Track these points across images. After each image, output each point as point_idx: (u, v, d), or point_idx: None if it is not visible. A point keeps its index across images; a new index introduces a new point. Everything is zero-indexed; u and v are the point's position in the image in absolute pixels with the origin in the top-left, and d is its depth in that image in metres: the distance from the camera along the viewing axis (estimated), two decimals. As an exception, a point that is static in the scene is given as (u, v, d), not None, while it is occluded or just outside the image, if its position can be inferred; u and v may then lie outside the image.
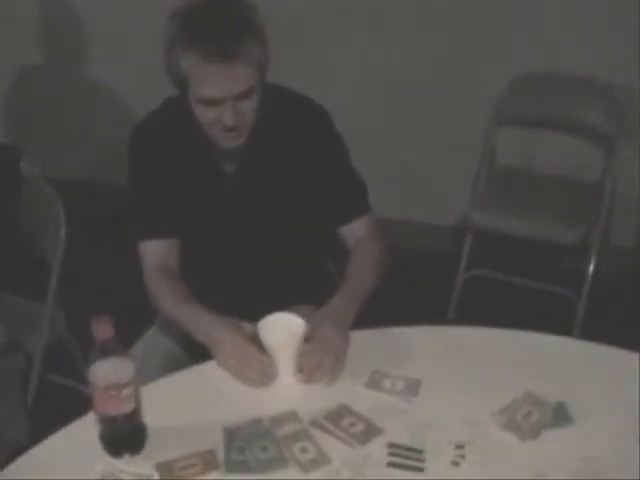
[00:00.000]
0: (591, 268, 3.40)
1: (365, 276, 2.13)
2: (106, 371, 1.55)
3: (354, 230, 2.23)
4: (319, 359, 1.85)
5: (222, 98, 1.91)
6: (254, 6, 1.96)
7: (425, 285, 3.62)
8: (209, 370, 1.90)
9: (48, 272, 2.65)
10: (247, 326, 1.98)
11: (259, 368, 1.85)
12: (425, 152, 3.85)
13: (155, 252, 2.16)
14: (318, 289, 2.34)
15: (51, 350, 2.72)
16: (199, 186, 2.17)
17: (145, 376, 1.64)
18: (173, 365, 2.07)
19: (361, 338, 1.97)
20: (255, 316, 2.25)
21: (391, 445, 1.65)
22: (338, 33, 3.73)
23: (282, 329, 1.88)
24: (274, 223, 2.20)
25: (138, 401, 1.62)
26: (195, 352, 2.22)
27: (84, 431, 1.71)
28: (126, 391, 1.57)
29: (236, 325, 1.96)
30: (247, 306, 2.21)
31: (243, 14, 1.93)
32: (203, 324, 1.98)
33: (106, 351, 1.55)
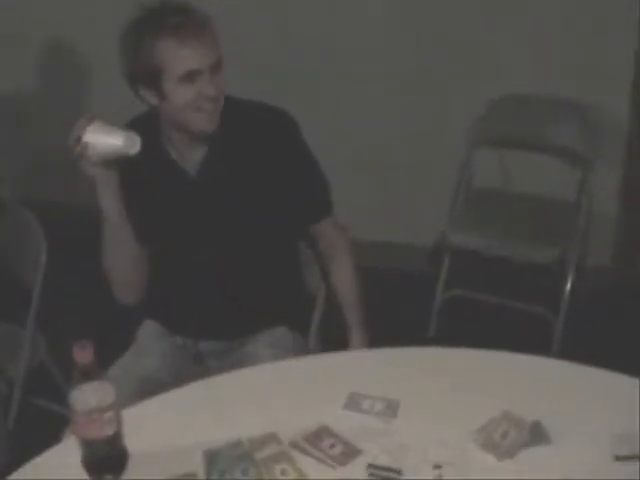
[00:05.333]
0: (568, 287, 3.42)
1: (357, 300, 2.37)
2: (87, 395, 1.56)
3: (323, 231, 2.36)
4: None
5: (200, 69, 2.05)
6: None
7: (404, 305, 3.63)
8: (189, 393, 1.92)
9: (28, 296, 2.65)
10: None
11: None
12: (402, 173, 3.87)
13: None
14: (291, 307, 2.39)
15: (32, 374, 2.72)
16: (165, 192, 2.24)
17: (120, 399, 1.66)
18: (148, 388, 2.09)
19: (340, 359, 1.99)
20: (226, 331, 2.30)
21: (370, 466, 1.67)
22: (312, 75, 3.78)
23: None
24: (239, 229, 2.24)
25: (119, 425, 1.63)
26: (174, 373, 2.26)
27: (65, 455, 1.71)
28: (107, 415, 1.59)
29: None
30: (216, 320, 2.27)
31: (194, 8, 2.09)
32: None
33: (87, 375, 1.56)
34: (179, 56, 2.04)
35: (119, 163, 2.09)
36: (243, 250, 2.28)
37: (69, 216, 3.88)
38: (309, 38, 3.66)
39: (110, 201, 2.13)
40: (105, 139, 2.01)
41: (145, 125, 2.18)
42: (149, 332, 2.42)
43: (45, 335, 2.78)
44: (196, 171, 2.22)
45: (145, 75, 2.08)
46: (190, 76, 2.05)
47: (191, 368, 2.35)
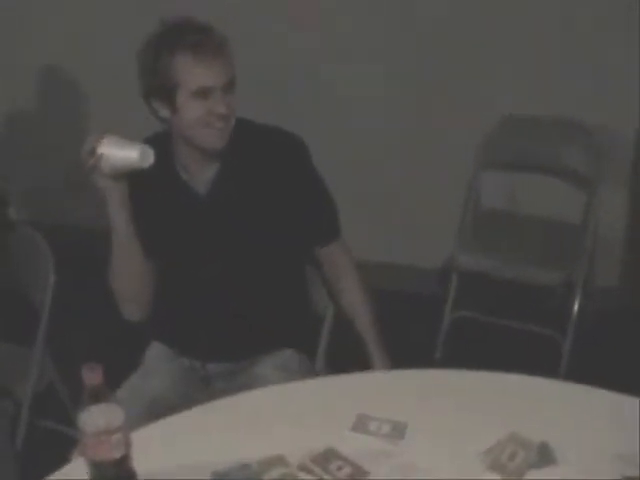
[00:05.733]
0: (575, 308, 3.42)
1: (372, 322, 2.38)
2: (96, 417, 1.57)
3: (330, 254, 2.37)
4: None
5: (213, 86, 2.10)
6: None
7: (411, 327, 3.63)
8: (196, 416, 1.92)
9: (37, 316, 2.66)
10: None
11: None
12: (410, 195, 3.88)
13: None
14: (298, 329, 2.40)
15: (40, 396, 2.72)
16: (174, 213, 2.27)
17: (127, 420, 1.67)
18: (156, 410, 2.10)
19: (347, 381, 2.00)
20: (233, 353, 2.31)
21: (378, 488, 1.67)
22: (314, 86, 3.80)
23: None
24: (246, 249, 2.27)
25: (128, 447, 1.63)
26: (181, 395, 2.26)
27: (73, 476, 1.72)
28: (116, 437, 1.59)
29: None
30: (223, 341, 2.27)
31: (214, 29, 2.17)
32: None
33: (96, 397, 1.57)
34: (194, 72, 2.09)
35: (129, 175, 2.12)
36: (250, 270, 2.30)
37: (76, 237, 3.91)
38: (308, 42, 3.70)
39: (118, 212, 2.16)
40: (120, 151, 2.04)
41: (157, 144, 2.19)
42: (156, 354, 2.43)
43: (53, 356, 2.78)
44: (206, 190, 2.25)
45: (160, 87, 2.13)
46: (203, 92, 2.10)
47: (198, 390, 2.35)
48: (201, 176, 2.25)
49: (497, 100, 3.58)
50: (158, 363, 2.40)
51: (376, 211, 3.90)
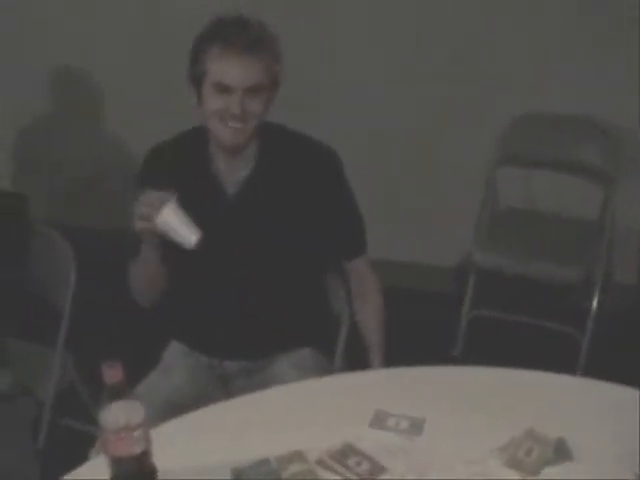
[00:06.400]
0: (594, 306, 3.43)
1: (380, 341, 2.40)
2: (117, 414, 1.59)
3: (354, 268, 2.41)
4: None
5: (232, 86, 2.11)
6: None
7: (429, 325, 3.64)
8: (217, 413, 1.94)
9: (58, 317, 2.69)
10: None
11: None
12: (427, 193, 3.89)
13: None
14: (316, 328, 2.41)
15: (62, 395, 2.75)
16: (201, 207, 2.24)
17: (146, 416, 1.69)
18: (174, 406, 2.13)
19: (365, 378, 2.01)
20: (250, 351, 2.32)
21: (396, 483, 1.69)
22: (335, 74, 3.80)
23: None
24: (269, 254, 2.29)
25: (148, 443, 1.65)
26: (199, 392, 2.27)
27: (92, 473, 1.75)
28: (137, 433, 1.61)
29: None
30: (241, 339, 2.29)
31: (263, 27, 2.19)
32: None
33: (117, 394, 1.59)
34: (219, 66, 2.12)
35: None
36: (270, 272, 2.31)
37: (94, 239, 3.93)
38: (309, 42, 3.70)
39: (152, 251, 2.20)
40: (177, 228, 2.05)
41: (193, 139, 2.27)
42: (175, 352, 2.45)
43: (73, 356, 2.80)
44: (235, 190, 2.27)
45: (193, 73, 2.17)
46: (222, 88, 2.12)
47: (216, 388, 2.37)
48: (232, 177, 2.27)
49: (514, 98, 3.58)
50: (176, 360, 2.42)
51: (393, 209, 3.91)
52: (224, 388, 2.37)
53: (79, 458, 1.88)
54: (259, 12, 2.20)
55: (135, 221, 2.07)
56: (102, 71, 4.11)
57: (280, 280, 2.32)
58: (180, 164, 2.30)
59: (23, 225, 2.82)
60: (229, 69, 2.11)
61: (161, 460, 1.69)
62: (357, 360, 2.33)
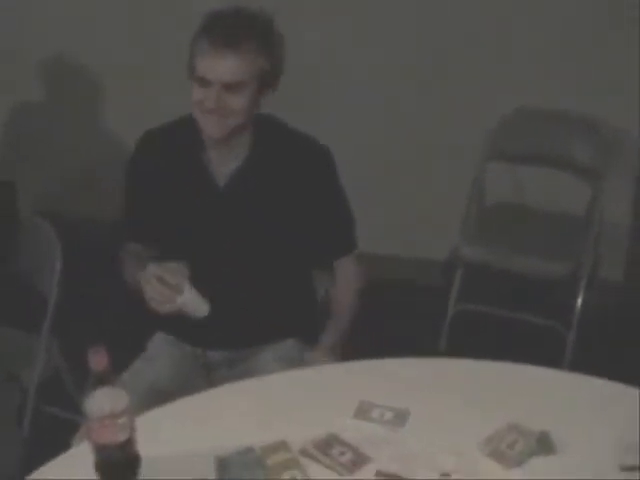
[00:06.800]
0: (580, 301, 3.44)
1: (347, 316, 2.39)
2: (102, 401, 1.59)
3: (341, 263, 2.40)
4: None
5: (210, 80, 2.11)
6: (272, 22, 2.19)
7: (415, 319, 3.65)
8: (201, 401, 1.95)
9: (44, 304, 2.68)
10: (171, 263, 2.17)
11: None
12: (415, 187, 3.89)
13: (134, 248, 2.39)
14: (301, 320, 2.41)
15: (47, 382, 2.75)
16: (191, 196, 2.30)
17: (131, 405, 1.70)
18: (157, 394, 2.14)
19: (350, 369, 2.02)
20: (235, 342, 2.33)
21: (379, 473, 1.69)
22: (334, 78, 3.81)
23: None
24: (256, 246, 2.30)
25: (132, 430, 1.65)
26: (183, 380, 2.27)
27: (77, 461, 1.75)
28: (121, 421, 1.61)
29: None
30: (225, 330, 2.29)
31: (261, 23, 2.17)
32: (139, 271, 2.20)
33: (102, 381, 1.59)
34: (202, 59, 2.12)
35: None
36: (259, 265, 2.32)
37: (83, 229, 3.93)
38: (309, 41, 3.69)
39: None
40: (194, 305, 2.16)
41: (186, 127, 2.26)
42: (159, 341, 2.45)
43: (60, 344, 2.80)
44: (225, 182, 2.27)
45: (189, 66, 2.17)
46: (202, 82, 2.13)
47: (200, 377, 2.37)
48: (223, 168, 2.27)
49: (504, 93, 3.58)
50: (160, 349, 2.42)
51: (381, 203, 3.90)
52: (207, 377, 2.37)
53: (62, 446, 1.88)
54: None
55: (153, 302, 2.14)
56: (99, 60, 4.09)
57: (267, 272, 2.33)
58: (172, 151, 2.31)
59: (11, 212, 2.81)
60: (208, 64, 2.11)
61: (145, 448, 1.70)
62: (342, 353, 2.33)
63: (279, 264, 2.33)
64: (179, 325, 2.39)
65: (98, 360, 1.57)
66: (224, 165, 2.27)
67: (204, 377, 2.37)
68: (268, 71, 2.17)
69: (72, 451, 1.84)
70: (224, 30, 2.11)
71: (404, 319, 3.65)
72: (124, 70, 4.01)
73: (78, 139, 4.35)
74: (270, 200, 2.28)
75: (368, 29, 3.72)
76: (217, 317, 2.29)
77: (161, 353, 2.41)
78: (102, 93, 4.25)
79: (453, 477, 1.67)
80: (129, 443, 1.65)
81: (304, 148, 2.31)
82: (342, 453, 1.74)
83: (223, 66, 2.10)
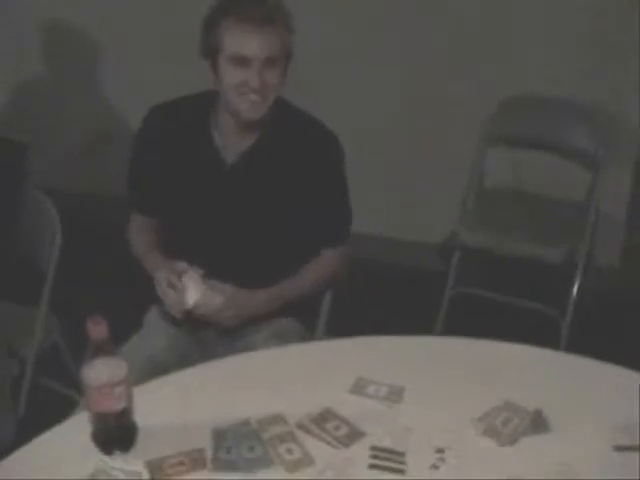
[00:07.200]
0: (576, 286, 3.45)
1: (309, 280, 2.39)
2: (100, 370, 1.60)
3: (327, 253, 2.41)
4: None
5: (251, 58, 2.11)
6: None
7: (412, 302, 3.66)
8: (198, 374, 1.96)
9: (44, 279, 2.69)
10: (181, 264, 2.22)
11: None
12: (414, 170, 3.90)
13: (141, 221, 2.43)
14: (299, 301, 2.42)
15: (45, 356, 2.76)
16: (198, 173, 2.31)
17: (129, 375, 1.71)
18: (154, 368, 2.15)
19: (347, 345, 2.03)
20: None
21: (373, 448, 1.70)
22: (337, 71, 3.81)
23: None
24: (258, 225, 2.32)
25: (130, 400, 1.67)
26: (179, 355, 2.29)
27: (73, 431, 1.76)
28: (118, 389, 1.62)
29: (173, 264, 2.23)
30: None
31: (279, 2, 2.18)
32: (157, 263, 2.28)
33: (100, 350, 1.60)
34: (235, 38, 2.11)
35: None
36: (257, 243, 2.33)
37: (84, 203, 3.94)
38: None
39: None
40: (207, 306, 2.22)
41: (196, 104, 2.28)
42: (156, 316, 2.45)
43: (58, 318, 2.81)
44: (234, 161, 2.29)
45: (208, 47, 2.17)
46: (240, 61, 2.12)
47: (196, 353, 2.37)
48: (235, 146, 2.28)
49: (504, 79, 3.60)
50: (157, 324, 2.43)
51: (378, 185, 3.91)
52: (203, 354, 2.38)
53: (58, 420, 1.87)
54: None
55: (167, 307, 2.24)
56: (103, 32, 4.10)
57: (268, 251, 2.34)
58: (181, 128, 2.31)
59: (20, 174, 2.82)
60: (247, 41, 2.11)
61: (142, 418, 1.72)
62: (340, 331, 2.34)
63: (280, 244, 2.34)
64: None
65: (97, 329, 1.58)
66: (234, 144, 2.28)
67: (200, 354, 2.38)
68: (291, 46, 2.19)
69: (69, 421, 1.84)
70: (255, 6, 2.11)
71: (399, 303, 3.66)
72: (126, 43, 4.01)
73: (78, 114, 4.35)
74: (276, 182, 2.29)
75: (365, 11, 3.73)
76: None
77: (158, 328, 2.41)
78: (103, 66, 4.25)
79: (447, 453, 1.69)
80: (126, 412, 1.67)
81: (313, 132, 2.31)
82: (337, 427, 1.75)
83: (262, 42, 2.11)
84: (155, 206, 2.39)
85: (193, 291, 2.16)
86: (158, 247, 2.38)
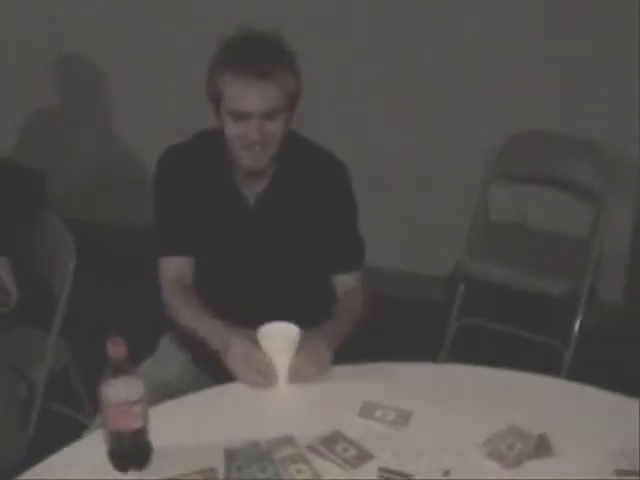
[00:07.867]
0: (578, 320, 3.48)
1: (349, 321, 2.29)
2: (119, 388, 1.65)
3: (345, 281, 2.38)
4: (306, 364, 2.02)
5: (250, 113, 2.11)
6: (284, 40, 2.19)
7: (417, 333, 3.68)
8: (212, 396, 2.02)
9: (57, 303, 2.72)
10: (254, 334, 2.08)
11: (263, 369, 2.01)
12: (419, 203, 3.96)
13: (173, 268, 2.32)
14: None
15: (55, 380, 2.79)
16: (222, 212, 2.31)
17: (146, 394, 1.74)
18: (166, 395, 2.14)
19: (356, 371, 2.07)
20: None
21: (381, 469, 1.75)
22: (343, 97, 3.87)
23: (280, 335, 2.04)
24: (280, 259, 2.33)
25: (146, 419, 1.71)
26: (192, 384, 2.30)
27: (84, 451, 1.82)
28: (136, 408, 1.67)
29: (245, 333, 2.10)
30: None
31: (279, 44, 2.17)
32: (217, 331, 2.15)
33: (119, 370, 1.65)
34: (234, 93, 2.12)
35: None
36: (279, 280, 2.34)
37: (100, 233, 3.97)
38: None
39: None
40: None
41: (211, 143, 2.28)
42: (170, 342, 2.49)
43: (69, 342, 2.85)
44: (254, 200, 2.31)
45: (211, 94, 2.18)
46: (239, 115, 2.13)
47: (209, 381, 2.40)
48: (252, 187, 2.31)
49: (507, 116, 3.64)
50: (171, 351, 2.46)
51: (385, 218, 3.95)
52: (217, 382, 2.40)
53: (66, 441, 1.89)
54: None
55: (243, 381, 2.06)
56: (118, 64, 4.13)
57: (287, 287, 2.35)
58: (199, 167, 2.30)
59: (39, 201, 2.86)
60: (245, 96, 2.10)
61: (156, 438, 1.76)
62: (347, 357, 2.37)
63: (298, 278, 2.36)
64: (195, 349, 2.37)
65: (116, 349, 1.63)
66: (252, 184, 2.30)
67: (213, 382, 2.40)
68: (296, 90, 2.19)
69: (85, 440, 1.89)
70: (253, 60, 2.09)
71: (404, 334, 3.68)
72: (142, 76, 4.07)
73: (90, 144, 4.40)
74: (295, 216, 2.32)
75: (370, 45, 3.79)
76: (234, 324, 2.29)
77: (171, 355, 2.45)
78: (114, 97, 4.30)
79: (453, 475, 1.73)
80: (143, 431, 1.72)
81: (324, 163, 2.34)
82: (346, 449, 1.80)
83: (261, 96, 2.10)
84: (190, 243, 2.32)
85: (282, 372, 2.04)
86: (207, 309, 2.24)
